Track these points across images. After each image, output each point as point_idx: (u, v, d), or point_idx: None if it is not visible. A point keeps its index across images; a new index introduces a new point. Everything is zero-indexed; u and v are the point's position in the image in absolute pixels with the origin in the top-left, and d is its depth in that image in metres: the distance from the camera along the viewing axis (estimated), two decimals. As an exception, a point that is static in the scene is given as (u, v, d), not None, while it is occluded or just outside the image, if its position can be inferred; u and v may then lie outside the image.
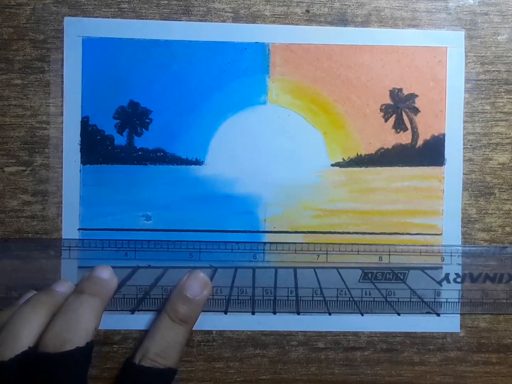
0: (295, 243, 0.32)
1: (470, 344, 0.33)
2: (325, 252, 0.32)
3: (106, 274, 0.31)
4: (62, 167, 0.32)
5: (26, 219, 0.32)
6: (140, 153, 0.32)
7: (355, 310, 0.32)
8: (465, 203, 0.33)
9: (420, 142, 0.33)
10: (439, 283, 0.32)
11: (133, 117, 0.32)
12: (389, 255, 0.32)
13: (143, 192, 0.32)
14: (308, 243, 0.32)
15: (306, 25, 0.32)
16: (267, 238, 0.32)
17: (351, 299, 0.32)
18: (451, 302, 0.32)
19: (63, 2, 0.32)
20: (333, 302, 0.32)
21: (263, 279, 0.32)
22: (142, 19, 0.32)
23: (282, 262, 0.32)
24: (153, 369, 0.29)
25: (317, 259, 0.32)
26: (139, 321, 0.32)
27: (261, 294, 0.32)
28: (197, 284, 0.31)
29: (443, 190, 0.33)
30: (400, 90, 0.33)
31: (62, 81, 0.32)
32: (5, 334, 0.27)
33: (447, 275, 0.32)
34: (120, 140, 0.32)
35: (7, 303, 0.30)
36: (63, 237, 0.31)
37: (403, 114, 0.33)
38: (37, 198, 0.32)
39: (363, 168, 0.32)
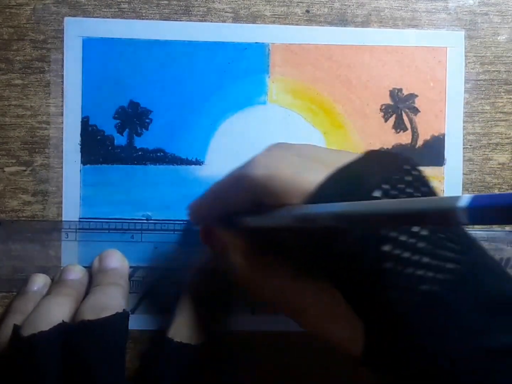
0: None
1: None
2: None
3: (116, 262, 0.30)
4: (62, 167, 0.32)
5: (26, 219, 0.32)
6: (140, 153, 0.32)
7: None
8: (465, 203, 0.33)
9: (420, 142, 0.33)
10: None
11: (133, 117, 0.32)
12: None
13: (143, 192, 0.32)
14: None
15: (306, 25, 0.32)
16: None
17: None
18: None
19: (63, 2, 0.32)
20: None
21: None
22: (142, 19, 0.32)
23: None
24: (191, 345, 0.28)
25: None
26: (139, 321, 0.32)
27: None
28: None
29: (443, 190, 0.33)
30: (400, 90, 0.33)
31: (62, 81, 0.32)
32: (37, 310, 0.27)
33: None
34: (120, 140, 0.32)
35: (14, 285, 0.31)
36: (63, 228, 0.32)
37: (403, 114, 0.33)
38: (37, 198, 0.32)
39: (363, 168, 0.32)
